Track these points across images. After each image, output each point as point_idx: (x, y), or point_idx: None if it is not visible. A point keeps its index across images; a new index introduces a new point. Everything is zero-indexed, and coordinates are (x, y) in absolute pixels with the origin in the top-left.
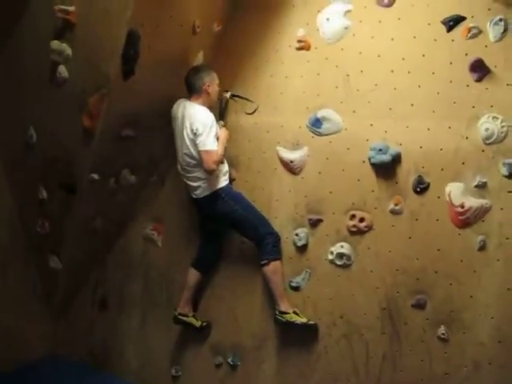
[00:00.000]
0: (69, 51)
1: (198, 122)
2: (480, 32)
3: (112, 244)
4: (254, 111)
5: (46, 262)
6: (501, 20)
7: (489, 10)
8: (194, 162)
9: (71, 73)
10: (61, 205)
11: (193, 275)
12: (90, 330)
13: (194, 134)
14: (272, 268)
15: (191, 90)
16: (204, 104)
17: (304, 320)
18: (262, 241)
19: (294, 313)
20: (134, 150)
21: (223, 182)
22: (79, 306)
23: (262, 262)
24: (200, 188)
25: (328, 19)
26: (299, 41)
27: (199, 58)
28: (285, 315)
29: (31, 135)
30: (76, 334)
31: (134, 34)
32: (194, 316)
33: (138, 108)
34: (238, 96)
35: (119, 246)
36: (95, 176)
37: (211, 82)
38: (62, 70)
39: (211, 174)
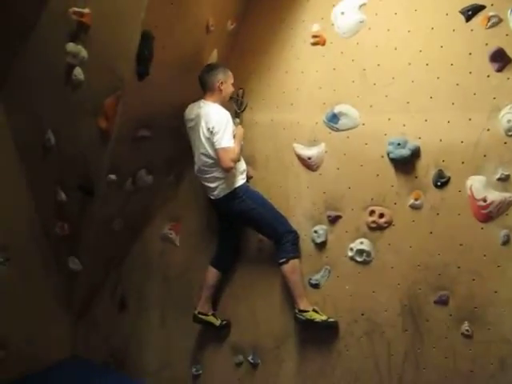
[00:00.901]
0: (84, 53)
1: (213, 121)
2: (500, 20)
3: (130, 244)
4: (245, 108)
5: (65, 264)
6: None
7: None
8: (211, 161)
9: (87, 75)
10: (79, 206)
11: (212, 274)
12: (110, 331)
13: (211, 133)
14: (291, 266)
15: (205, 88)
16: (218, 101)
17: (324, 318)
18: (280, 239)
19: (314, 311)
20: (150, 150)
21: (241, 180)
22: (99, 308)
23: (281, 261)
24: (218, 188)
25: (343, 13)
26: (314, 36)
27: (213, 57)
28: (304, 313)
29: (49, 138)
30: (96, 335)
31: (148, 34)
32: (213, 315)
33: (153, 108)
34: (233, 97)
35: (138, 247)
36: (112, 177)
37: (225, 80)
38: (78, 72)
39: (229, 172)
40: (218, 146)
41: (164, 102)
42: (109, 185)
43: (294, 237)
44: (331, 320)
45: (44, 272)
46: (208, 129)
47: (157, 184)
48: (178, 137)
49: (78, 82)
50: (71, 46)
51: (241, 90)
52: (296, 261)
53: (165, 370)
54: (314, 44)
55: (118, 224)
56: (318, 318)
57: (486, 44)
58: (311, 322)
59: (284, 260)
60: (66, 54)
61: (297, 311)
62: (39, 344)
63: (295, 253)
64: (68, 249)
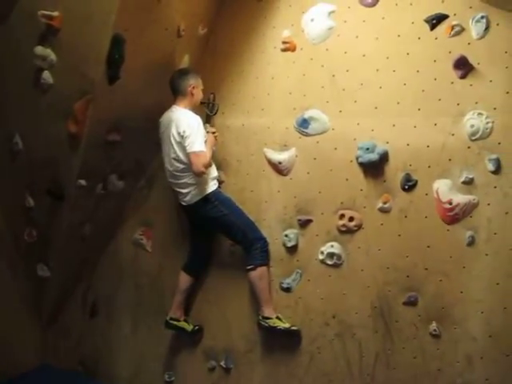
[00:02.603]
0: (53, 56)
1: (184, 125)
2: (463, 29)
3: (101, 250)
4: (216, 112)
5: (34, 271)
6: (482, 17)
7: (470, 7)
8: (182, 166)
9: (56, 78)
10: (48, 212)
11: (184, 279)
12: (81, 338)
13: (182, 137)
14: (258, 273)
15: (176, 92)
16: (189, 106)
17: (287, 325)
18: (250, 246)
19: (277, 318)
20: (120, 154)
21: (212, 186)
22: (69, 314)
23: (249, 267)
24: (189, 194)
25: (312, 20)
26: (284, 42)
27: (185, 62)
28: (268, 320)
29: (16, 142)
30: (66, 342)
31: (119, 38)
32: (185, 320)
33: (124, 112)
34: (204, 103)
35: (108, 252)
36: (82, 182)
37: (196, 85)
38: (47, 76)
39: (200, 177)
40: (189, 150)
41: (135, 106)
42: (79, 190)
43: (264, 244)
44: (294, 328)
45: (12, 279)
46: (179, 133)
47: (128, 189)
48: (149, 141)
49: (47, 86)
50: (40, 50)
51: (212, 95)
52: (264, 268)
53: (137, 377)
54: (285, 50)
55: (88, 229)
56: (281, 325)
57: (450, 52)
58: (274, 328)
59: (252, 267)
60: (34, 57)
61: (260, 317)
62: (7, 352)
63: (264, 260)
64: (37, 255)
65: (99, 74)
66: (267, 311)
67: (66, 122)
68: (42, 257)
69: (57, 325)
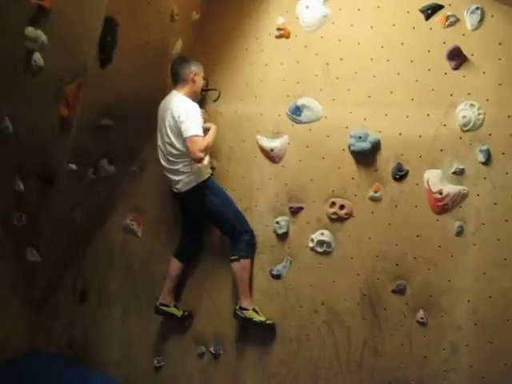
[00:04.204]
0: (44, 38)
1: (180, 110)
2: (457, 20)
3: (91, 235)
4: (218, 98)
5: (23, 255)
6: (477, 8)
7: None
8: (175, 151)
9: (47, 61)
10: (38, 196)
11: (175, 265)
12: (70, 323)
13: (178, 122)
14: (241, 265)
15: (177, 79)
16: (189, 93)
17: (262, 319)
18: (237, 237)
19: (254, 310)
20: (112, 139)
21: (205, 175)
22: (59, 299)
23: (233, 258)
24: (181, 182)
25: (307, 7)
26: (279, 29)
27: (178, 46)
28: (245, 311)
29: (7, 125)
30: (56, 327)
31: (112, 21)
32: (175, 306)
33: (116, 97)
34: (205, 90)
35: (99, 238)
36: (73, 166)
37: (198, 72)
38: (38, 58)
39: (199, 163)
40: (186, 135)
41: (127, 91)
42: (69, 174)
43: (251, 237)
44: (269, 322)
45: (1, 263)
46: (174, 117)
47: (119, 174)
48: (142, 126)
49: (38, 68)
50: (30, 31)
51: (205, 81)
52: (248, 261)
53: (126, 362)
54: (279, 37)
55: (78, 214)
56: (257, 318)
57: (444, 42)
58: (249, 320)
59: (236, 257)
60: (25, 38)
61: (237, 308)
62: None
63: (248, 253)
64: (26, 240)
65: (91, 57)
66: (245, 302)
67: (57, 105)
68: (31, 241)
69: (46, 309)
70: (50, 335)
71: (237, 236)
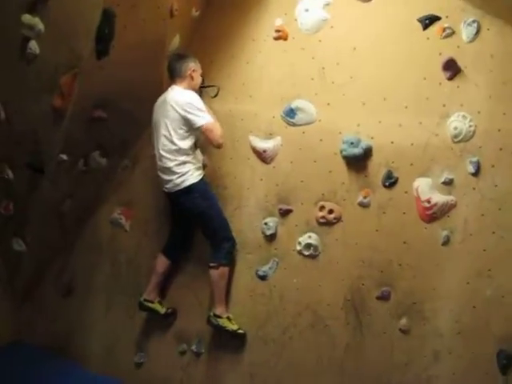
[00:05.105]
0: (41, 26)
1: (184, 102)
2: (453, 32)
3: (79, 227)
4: (217, 94)
5: (9, 245)
6: (474, 21)
7: (463, 10)
8: (173, 147)
9: (43, 49)
10: (27, 186)
11: (161, 262)
12: (54, 316)
13: (181, 115)
14: (220, 272)
15: (174, 75)
16: (187, 89)
17: (235, 328)
18: (218, 244)
19: (227, 318)
20: (105, 132)
21: (196, 177)
22: (43, 291)
23: (212, 265)
24: (171, 182)
25: (307, 10)
26: (277, 30)
27: (175, 42)
28: (218, 319)
29: None
30: (41, 319)
31: (110, 12)
32: (159, 302)
33: (111, 89)
34: (204, 86)
35: (86, 230)
36: (64, 157)
37: (196, 68)
38: (33, 46)
39: (220, 148)
40: (199, 124)
41: (122, 84)
42: (59, 164)
43: (232, 245)
44: (240, 331)
45: None
46: (176, 110)
47: (110, 167)
48: (135, 120)
49: (33, 56)
50: (27, 18)
51: (201, 78)
52: (226, 269)
53: (108, 357)
54: (277, 38)
55: (67, 206)
56: (229, 326)
57: (440, 53)
58: (222, 328)
59: (215, 265)
60: (21, 25)
61: (212, 314)
62: None
63: (228, 261)
64: (13, 229)
65: (88, 48)
66: (219, 310)
67: (50, 94)
68: (18, 231)
69: (31, 301)
70: (33, 327)
71: (218, 242)
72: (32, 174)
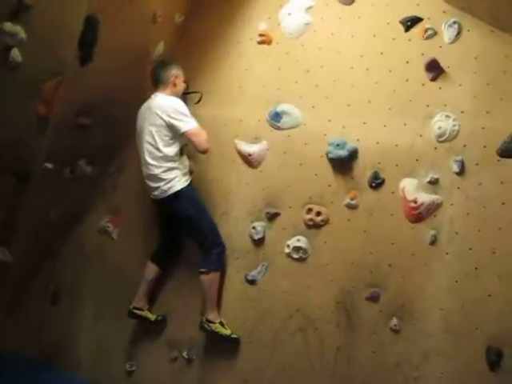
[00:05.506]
0: (23, 34)
1: (168, 108)
2: (435, 33)
3: (66, 236)
4: (200, 100)
5: None
6: (455, 23)
7: (444, 12)
8: (158, 154)
9: (25, 57)
10: (12, 194)
11: (150, 269)
12: (42, 325)
13: (166, 121)
14: (211, 278)
15: (158, 82)
16: (170, 95)
17: (228, 332)
18: (208, 249)
19: (220, 323)
20: (90, 139)
21: (183, 183)
22: (30, 300)
23: (202, 270)
24: (159, 189)
25: (290, 14)
26: (260, 34)
27: (159, 49)
28: (211, 324)
29: None
30: (27, 328)
31: (93, 19)
32: (149, 309)
33: (94, 96)
34: (187, 93)
35: (73, 238)
36: (49, 165)
37: (178, 75)
38: (15, 54)
39: (206, 153)
40: (184, 130)
41: (106, 90)
42: (45, 173)
43: (222, 250)
44: (234, 336)
45: None
46: (161, 117)
47: (96, 174)
48: (120, 127)
49: (16, 64)
50: (9, 26)
51: (185, 84)
52: (217, 274)
53: (98, 366)
54: (261, 42)
55: (53, 214)
56: (223, 331)
57: (422, 54)
58: (215, 333)
59: (205, 270)
60: (2, 33)
61: (204, 320)
62: None
63: (218, 265)
64: None
65: (71, 54)
66: (212, 315)
67: (34, 102)
68: (3, 240)
69: (17, 310)
70: (21, 337)
71: (208, 247)
72: (17, 182)
